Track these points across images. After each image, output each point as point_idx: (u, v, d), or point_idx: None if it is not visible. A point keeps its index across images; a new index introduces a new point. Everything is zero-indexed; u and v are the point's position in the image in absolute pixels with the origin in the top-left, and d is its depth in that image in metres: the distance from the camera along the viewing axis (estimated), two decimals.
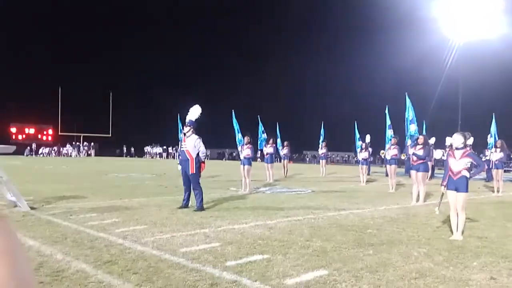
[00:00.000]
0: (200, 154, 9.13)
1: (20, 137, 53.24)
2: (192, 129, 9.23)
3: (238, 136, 13.93)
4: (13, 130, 53.23)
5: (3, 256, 0.46)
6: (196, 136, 9.16)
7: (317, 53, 53.99)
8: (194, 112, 9.45)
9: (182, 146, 9.45)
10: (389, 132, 15.53)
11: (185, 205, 9.03)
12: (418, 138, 11.39)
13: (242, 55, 57.66)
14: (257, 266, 4.75)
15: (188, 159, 9.03)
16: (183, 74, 59.40)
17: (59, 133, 53.88)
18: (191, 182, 9.01)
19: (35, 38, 52.82)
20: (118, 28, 60.92)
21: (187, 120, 9.45)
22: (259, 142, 18.49)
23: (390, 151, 14.56)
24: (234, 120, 14.32)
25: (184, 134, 9.36)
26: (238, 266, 4.74)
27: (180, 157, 9.64)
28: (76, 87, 52.05)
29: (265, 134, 18.86)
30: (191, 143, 9.09)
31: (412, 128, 12.91)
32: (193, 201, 8.99)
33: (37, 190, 11.62)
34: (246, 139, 13.66)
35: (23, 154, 45.85)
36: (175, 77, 56.53)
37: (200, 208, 8.73)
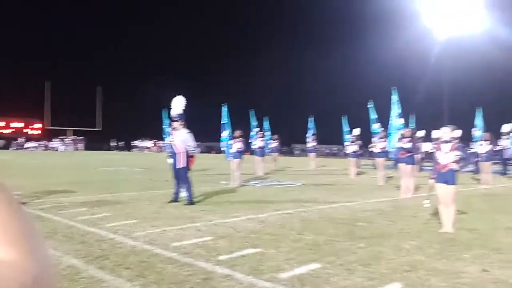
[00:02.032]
0: (190, 149, 9.05)
1: (6, 131, 52.32)
2: (181, 123, 9.12)
3: (227, 132, 13.49)
4: (0, 124, 52.26)
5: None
6: (186, 130, 9.07)
7: (304, 47, 54.01)
8: (178, 104, 9.28)
9: (171, 140, 9.36)
10: (375, 126, 15.56)
11: (175, 199, 8.97)
12: (404, 132, 11.46)
13: (231, 48, 57.45)
14: (250, 260, 4.75)
15: (177, 153, 8.96)
16: (171, 67, 59.02)
17: (47, 127, 53.23)
18: (180, 176, 8.94)
19: (24, 31, 51.99)
20: (106, 23, 60.31)
21: (173, 114, 9.31)
22: (251, 136, 18.43)
23: (378, 144, 14.65)
24: (226, 115, 13.85)
25: (173, 128, 9.26)
26: (230, 260, 4.73)
27: (169, 150, 9.55)
28: (64, 82, 51.48)
29: (258, 127, 18.87)
30: (181, 137, 8.99)
31: (400, 122, 12.96)
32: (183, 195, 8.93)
33: (25, 185, 11.46)
34: (238, 132, 13.58)
35: (8, 149, 45.16)
36: (164, 70, 56.15)
37: (190, 202, 8.69)
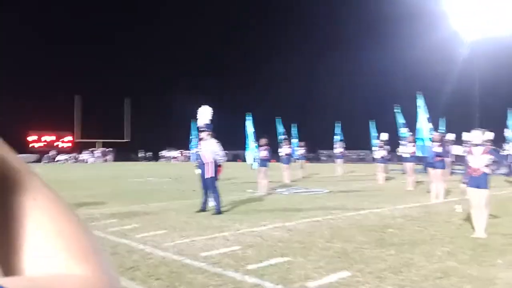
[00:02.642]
0: (218, 158, 9.11)
1: (38, 145, 53.86)
2: (209, 133, 9.20)
3: (251, 144, 13.23)
4: (32, 138, 53.80)
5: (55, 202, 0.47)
6: (214, 140, 9.15)
7: (329, 51, 53.65)
8: (205, 114, 9.37)
9: (198, 150, 9.46)
10: (403, 130, 15.32)
11: (203, 208, 9.04)
12: (433, 136, 11.24)
13: (255, 54, 57.63)
14: (279, 269, 4.74)
15: (205, 163, 9.04)
16: (197, 76, 59.57)
17: (77, 140, 54.57)
18: (209, 185, 9.02)
19: (52, 46, 53.54)
20: (132, 35, 61.42)
21: (201, 124, 9.41)
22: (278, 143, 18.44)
23: (407, 149, 14.42)
24: (250, 124, 13.64)
25: (201, 139, 9.35)
26: (259, 269, 4.73)
27: (197, 160, 9.65)
28: (93, 94, 52.70)
29: (285, 135, 18.88)
30: (209, 147, 9.08)
31: (429, 126, 12.69)
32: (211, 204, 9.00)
33: None
34: (263, 141, 13.62)
35: (41, 162, 46.41)
36: (190, 80, 56.76)
37: (218, 211, 8.74)
